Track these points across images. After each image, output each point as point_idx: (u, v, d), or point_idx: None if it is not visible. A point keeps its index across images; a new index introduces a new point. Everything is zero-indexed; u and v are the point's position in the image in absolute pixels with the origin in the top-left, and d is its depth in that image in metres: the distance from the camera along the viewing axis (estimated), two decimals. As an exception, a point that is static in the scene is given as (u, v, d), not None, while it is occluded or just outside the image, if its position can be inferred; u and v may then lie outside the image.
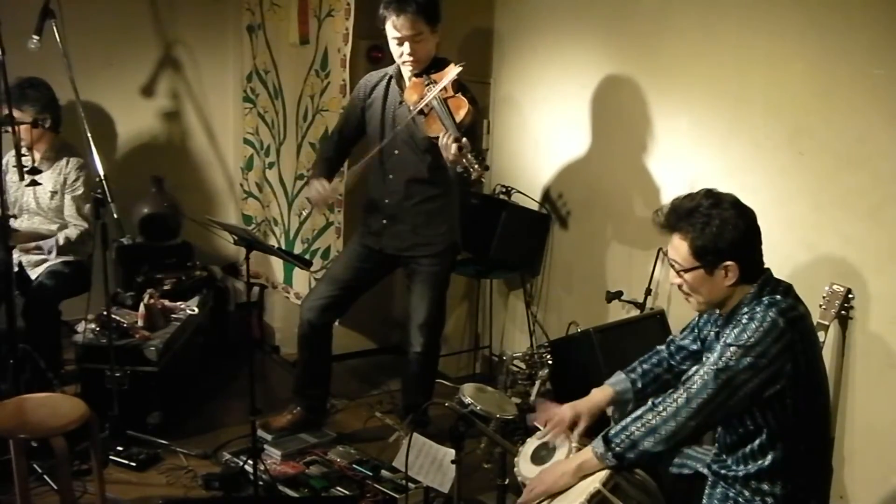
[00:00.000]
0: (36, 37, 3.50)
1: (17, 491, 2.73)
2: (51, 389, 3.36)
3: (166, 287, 4.20)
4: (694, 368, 2.29)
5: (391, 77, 3.53)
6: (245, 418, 3.29)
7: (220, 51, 4.99)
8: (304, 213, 4.34)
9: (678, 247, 2.28)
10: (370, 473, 3.40)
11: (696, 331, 2.54)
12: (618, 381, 2.59)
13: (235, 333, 4.67)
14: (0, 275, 3.28)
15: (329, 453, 3.58)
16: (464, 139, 3.10)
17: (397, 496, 3.22)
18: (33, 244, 3.92)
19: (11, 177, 3.62)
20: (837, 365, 2.94)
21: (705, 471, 2.41)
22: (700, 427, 2.20)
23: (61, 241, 3.92)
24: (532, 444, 2.57)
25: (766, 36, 3.11)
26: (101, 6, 4.60)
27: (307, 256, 4.27)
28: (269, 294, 4.87)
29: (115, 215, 3.38)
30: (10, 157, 3.58)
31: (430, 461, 2.83)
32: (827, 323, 2.83)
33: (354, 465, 3.47)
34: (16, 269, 3.53)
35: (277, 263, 4.70)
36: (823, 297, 2.86)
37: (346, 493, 3.31)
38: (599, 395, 2.57)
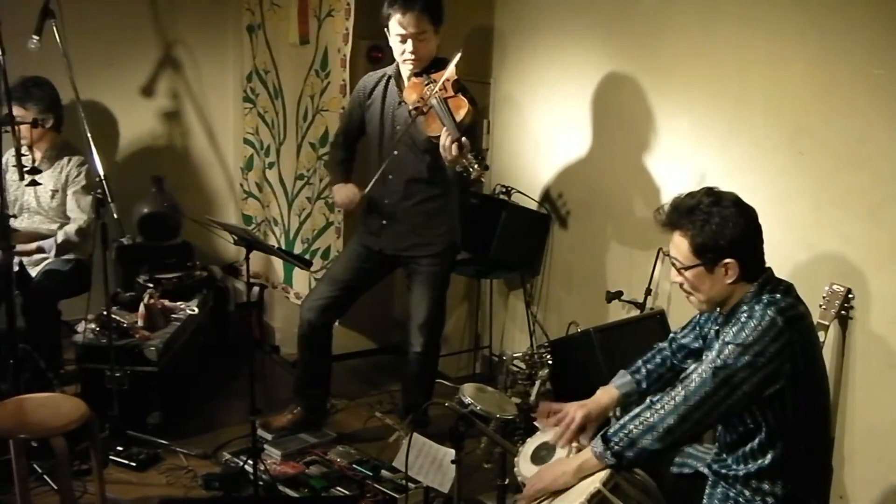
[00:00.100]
0: (36, 37, 3.50)
1: (17, 491, 2.73)
2: (51, 389, 3.36)
3: (166, 287, 4.20)
4: (692, 366, 2.29)
5: (390, 77, 3.53)
6: (245, 418, 3.29)
7: (220, 51, 4.99)
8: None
9: (679, 244, 2.28)
10: (370, 473, 3.40)
11: (697, 328, 2.54)
12: (623, 383, 2.58)
13: (235, 333, 4.67)
14: (0, 275, 3.28)
15: (329, 453, 3.59)
16: (463, 139, 3.10)
17: (397, 496, 3.22)
18: (35, 245, 3.92)
19: (11, 176, 3.62)
20: (837, 365, 2.94)
21: (706, 470, 2.41)
22: (698, 424, 2.20)
23: (60, 239, 3.92)
24: (532, 444, 2.57)
25: (766, 36, 3.11)
26: (101, 6, 4.60)
27: (307, 256, 4.27)
28: (269, 294, 4.87)
29: (115, 215, 3.38)
30: (9, 157, 3.58)
31: (430, 461, 2.83)
32: (827, 323, 2.83)
33: (354, 465, 3.47)
34: (16, 268, 3.52)
35: (277, 263, 4.70)
36: (823, 297, 2.86)
37: (346, 493, 3.31)
38: (605, 398, 2.55)
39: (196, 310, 4.12)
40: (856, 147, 2.87)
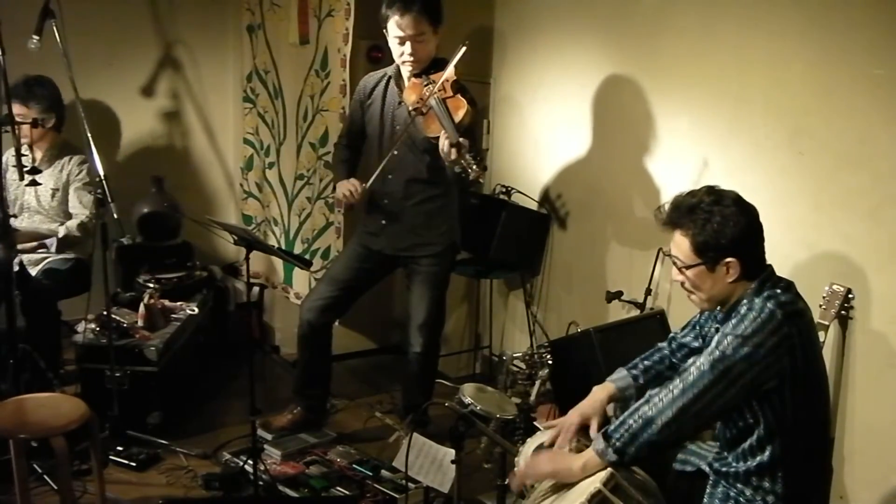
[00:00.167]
0: (36, 37, 3.50)
1: (17, 491, 2.73)
2: (51, 389, 3.36)
3: (166, 287, 4.20)
4: (691, 360, 2.29)
5: (390, 77, 3.54)
6: (245, 418, 3.29)
7: (220, 51, 4.99)
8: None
9: (680, 243, 2.28)
10: (370, 473, 3.40)
11: (697, 328, 2.55)
12: (619, 378, 2.58)
13: (235, 333, 4.67)
14: (0, 275, 3.28)
15: (329, 453, 3.58)
16: (462, 139, 3.09)
17: (397, 496, 3.22)
18: (36, 243, 3.92)
19: (11, 175, 3.62)
20: (837, 365, 2.94)
21: (707, 469, 2.41)
22: (697, 417, 2.19)
23: (62, 234, 3.92)
24: (532, 444, 2.57)
25: (766, 36, 3.11)
26: (101, 6, 4.60)
27: (307, 256, 4.27)
28: (269, 294, 4.87)
29: (115, 215, 3.37)
30: (9, 156, 3.58)
31: (430, 461, 2.83)
32: (827, 323, 2.83)
33: (354, 465, 3.47)
34: (16, 268, 3.52)
35: (277, 263, 4.70)
36: (823, 297, 2.86)
37: (346, 493, 3.31)
38: (601, 392, 2.55)
39: (196, 310, 4.12)
40: (856, 147, 2.87)
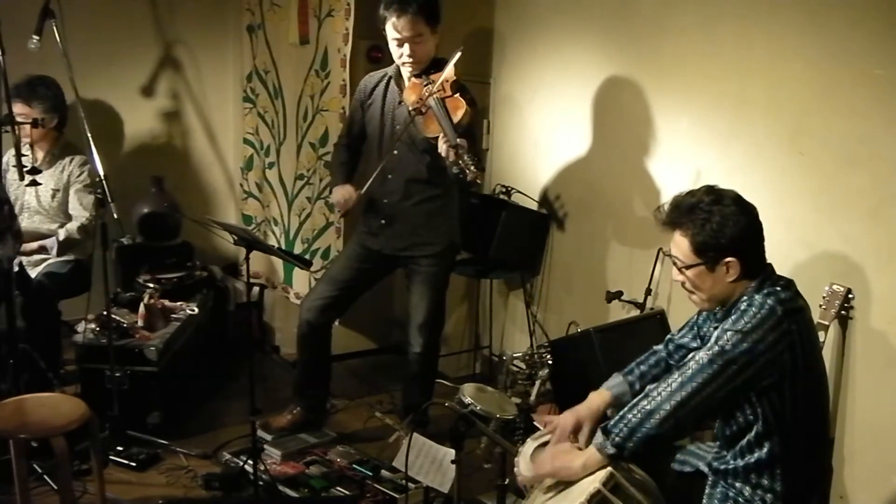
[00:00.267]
0: (36, 37, 3.50)
1: (17, 491, 2.73)
2: (51, 389, 3.36)
3: (166, 287, 4.20)
4: (690, 355, 2.29)
5: (390, 77, 3.54)
6: (245, 418, 3.29)
7: (220, 51, 4.99)
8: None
9: (679, 243, 2.28)
10: (370, 473, 3.40)
11: (695, 328, 2.54)
12: (615, 384, 2.56)
13: (235, 333, 4.67)
14: (0, 275, 3.28)
15: (329, 453, 3.59)
16: (460, 141, 3.09)
17: (397, 496, 3.22)
18: (36, 244, 3.92)
19: (12, 175, 3.62)
20: (837, 365, 2.94)
21: (706, 469, 2.40)
22: (696, 411, 2.19)
23: (62, 237, 3.92)
24: (532, 444, 2.57)
25: (766, 36, 3.11)
26: (101, 6, 4.60)
27: (307, 256, 4.27)
28: (269, 294, 4.87)
29: (115, 215, 3.38)
30: (9, 156, 3.58)
31: (430, 461, 2.83)
32: (827, 323, 2.83)
33: (354, 465, 3.47)
34: (16, 268, 3.52)
35: (277, 263, 4.70)
36: (823, 297, 2.86)
37: (346, 493, 3.31)
38: (597, 399, 2.53)
39: (196, 310, 4.12)
40: (856, 147, 2.87)
